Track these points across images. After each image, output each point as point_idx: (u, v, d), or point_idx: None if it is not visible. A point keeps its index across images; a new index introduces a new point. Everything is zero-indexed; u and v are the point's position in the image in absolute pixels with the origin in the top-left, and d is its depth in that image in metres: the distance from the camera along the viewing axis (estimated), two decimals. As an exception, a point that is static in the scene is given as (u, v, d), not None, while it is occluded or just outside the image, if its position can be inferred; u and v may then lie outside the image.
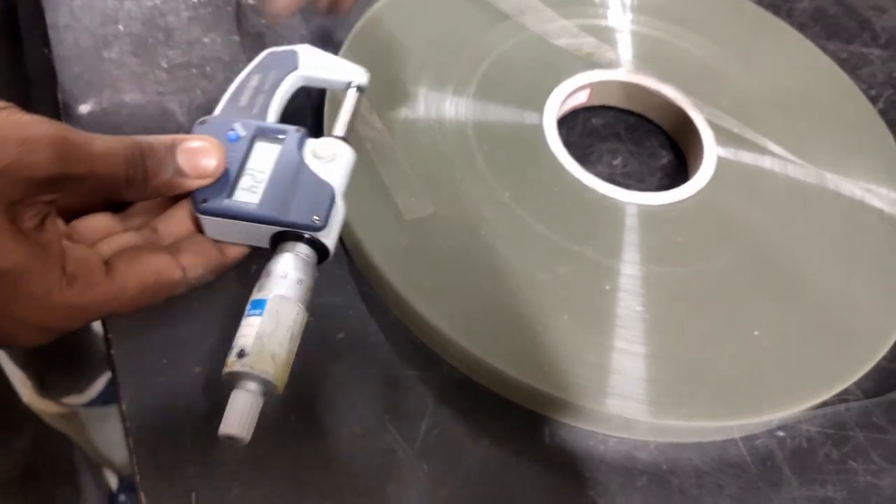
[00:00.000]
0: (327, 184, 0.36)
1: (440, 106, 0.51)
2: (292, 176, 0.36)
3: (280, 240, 0.36)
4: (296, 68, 0.41)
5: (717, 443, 0.41)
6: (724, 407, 0.40)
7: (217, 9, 0.56)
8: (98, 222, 0.35)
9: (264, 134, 0.37)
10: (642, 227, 0.47)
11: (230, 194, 0.35)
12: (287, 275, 0.35)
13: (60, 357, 1.11)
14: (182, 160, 0.34)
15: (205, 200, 0.35)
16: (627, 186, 0.51)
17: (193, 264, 0.35)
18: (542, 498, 0.38)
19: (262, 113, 0.39)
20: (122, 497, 1.11)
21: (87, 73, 0.51)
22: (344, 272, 0.46)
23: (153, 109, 0.50)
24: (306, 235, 0.35)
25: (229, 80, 0.41)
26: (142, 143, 0.32)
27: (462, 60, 0.54)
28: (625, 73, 0.55)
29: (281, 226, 0.35)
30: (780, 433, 0.42)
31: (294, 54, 0.42)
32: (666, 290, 0.44)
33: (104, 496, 1.08)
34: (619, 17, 0.59)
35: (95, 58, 0.52)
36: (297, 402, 0.39)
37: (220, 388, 0.33)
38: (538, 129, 0.51)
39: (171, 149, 0.33)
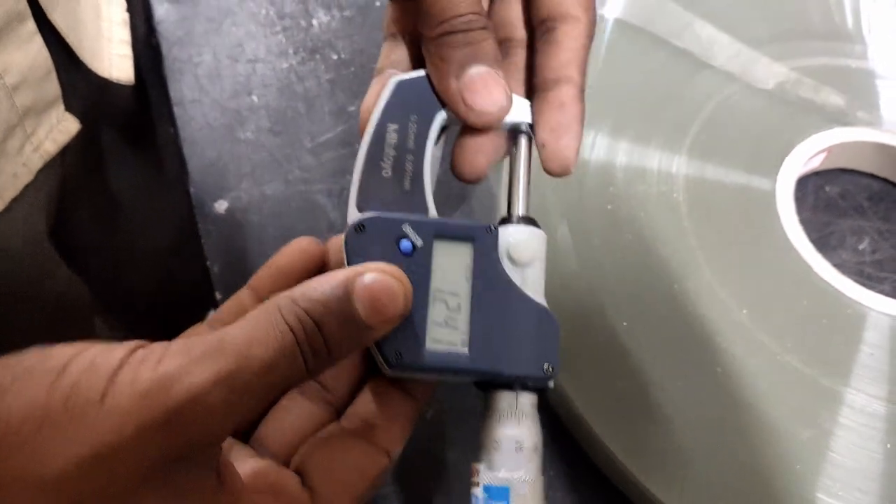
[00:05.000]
0: (546, 311, 0.27)
1: (644, 177, 0.41)
2: (499, 300, 0.27)
3: (490, 384, 0.27)
4: (440, 107, 0.29)
5: None
6: None
7: (362, 68, 0.48)
8: (280, 422, 0.27)
9: (445, 236, 0.27)
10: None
11: (425, 338, 0.26)
12: (522, 444, 0.26)
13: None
14: (361, 307, 0.23)
15: (399, 355, 0.26)
16: (880, 281, 0.40)
17: (394, 439, 0.27)
18: None
19: (417, 187, 0.28)
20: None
21: (221, 159, 0.44)
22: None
23: (299, 203, 0.42)
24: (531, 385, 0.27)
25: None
26: (311, 310, 0.23)
27: (663, 121, 0.44)
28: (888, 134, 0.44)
29: (502, 379, 0.27)
30: None
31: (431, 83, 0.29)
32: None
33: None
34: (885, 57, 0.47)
35: (229, 139, 0.45)
36: None
37: None
38: (768, 206, 0.41)
39: (346, 300, 0.23)
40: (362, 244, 0.26)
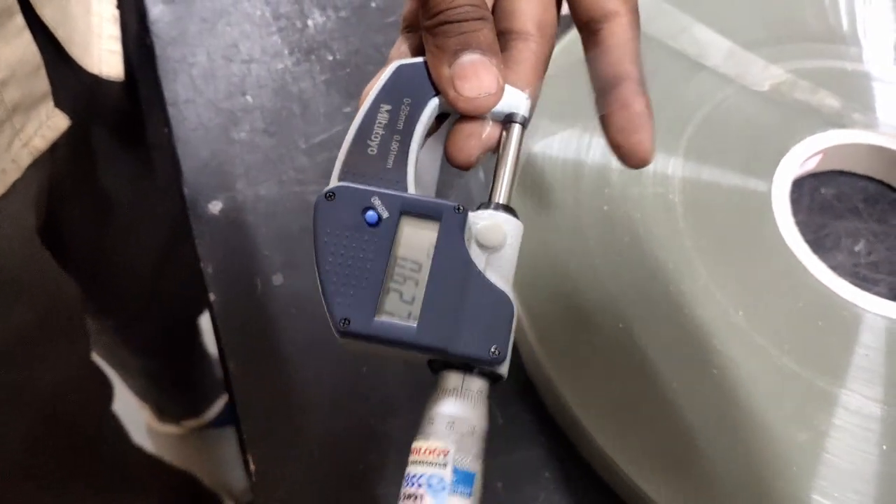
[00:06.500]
0: (503, 295, 0.27)
1: (639, 177, 0.41)
2: (457, 280, 0.27)
3: (442, 366, 0.27)
4: (435, 93, 0.29)
5: None
6: None
7: (357, 69, 0.47)
8: None
9: (413, 213, 0.28)
10: (920, 354, 0.37)
11: (378, 308, 0.27)
12: (454, 424, 0.26)
13: (177, 384, 1.09)
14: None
15: (347, 321, 0.26)
16: (875, 282, 0.40)
17: None
18: None
19: (400, 166, 0.29)
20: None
21: (215, 159, 0.44)
22: (532, 414, 0.37)
23: (293, 203, 0.42)
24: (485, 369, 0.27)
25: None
26: None
27: (659, 122, 0.44)
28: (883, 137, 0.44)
29: (448, 357, 0.27)
30: None
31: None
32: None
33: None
34: (881, 60, 0.47)
35: (223, 139, 0.44)
36: None
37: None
38: (764, 207, 0.41)
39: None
40: (330, 211, 0.27)
